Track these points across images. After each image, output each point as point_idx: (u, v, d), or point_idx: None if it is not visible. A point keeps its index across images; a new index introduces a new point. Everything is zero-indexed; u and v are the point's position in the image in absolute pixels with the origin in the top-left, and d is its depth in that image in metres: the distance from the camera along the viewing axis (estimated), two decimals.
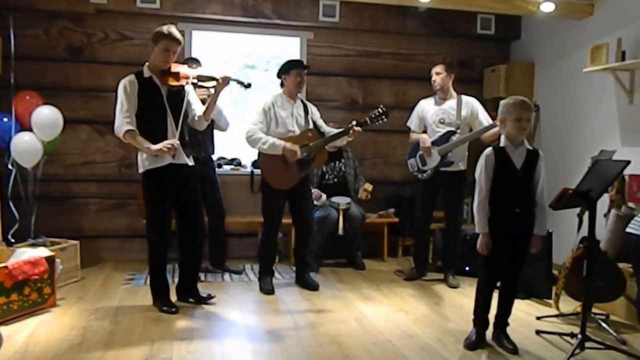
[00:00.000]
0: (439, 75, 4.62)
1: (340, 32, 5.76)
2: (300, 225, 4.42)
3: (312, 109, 4.42)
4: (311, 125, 4.32)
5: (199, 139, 4.63)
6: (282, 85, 4.31)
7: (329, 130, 4.39)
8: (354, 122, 4.14)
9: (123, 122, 3.54)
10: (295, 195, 4.28)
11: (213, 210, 4.83)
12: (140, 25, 5.32)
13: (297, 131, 4.23)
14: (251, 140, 4.14)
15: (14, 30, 4.76)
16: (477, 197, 3.11)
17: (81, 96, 5.28)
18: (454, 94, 4.67)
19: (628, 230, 3.10)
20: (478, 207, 3.10)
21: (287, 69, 4.26)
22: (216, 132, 4.85)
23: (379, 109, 4.23)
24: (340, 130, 4.24)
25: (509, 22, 5.90)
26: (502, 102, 3.14)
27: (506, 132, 3.10)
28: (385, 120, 4.23)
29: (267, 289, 4.29)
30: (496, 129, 4.29)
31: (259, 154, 4.23)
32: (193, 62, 4.40)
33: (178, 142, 3.59)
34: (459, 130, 4.54)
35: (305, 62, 4.60)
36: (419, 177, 4.69)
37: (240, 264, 5.18)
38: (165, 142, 3.54)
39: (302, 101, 4.40)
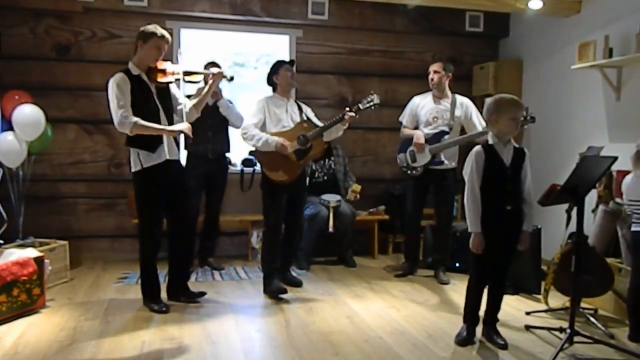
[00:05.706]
0: (437, 73, 4.62)
1: (329, 29, 5.76)
2: (291, 223, 4.40)
3: (307, 109, 4.43)
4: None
5: (208, 137, 4.63)
6: (274, 90, 4.30)
7: None
8: (347, 109, 4.12)
9: (127, 115, 3.49)
10: (292, 193, 4.25)
11: (211, 208, 4.86)
12: (128, 23, 5.28)
13: (292, 126, 4.21)
14: (246, 137, 4.15)
15: (0, 29, 4.71)
16: (469, 196, 3.09)
17: (69, 95, 5.22)
18: (449, 93, 4.68)
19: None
20: (471, 206, 3.08)
21: (275, 68, 4.28)
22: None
23: (370, 95, 4.19)
24: (334, 118, 4.16)
25: (498, 19, 5.92)
26: (491, 100, 3.11)
27: (497, 130, 3.08)
28: (378, 103, 4.14)
29: (278, 287, 4.14)
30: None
31: (256, 149, 4.22)
32: None
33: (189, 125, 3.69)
34: (451, 131, 4.57)
35: (294, 60, 4.62)
36: (408, 174, 4.72)
37: (230, 263, 5.20)
38: (181, 125, 3.65)
39: (295, 101, 4.42)
